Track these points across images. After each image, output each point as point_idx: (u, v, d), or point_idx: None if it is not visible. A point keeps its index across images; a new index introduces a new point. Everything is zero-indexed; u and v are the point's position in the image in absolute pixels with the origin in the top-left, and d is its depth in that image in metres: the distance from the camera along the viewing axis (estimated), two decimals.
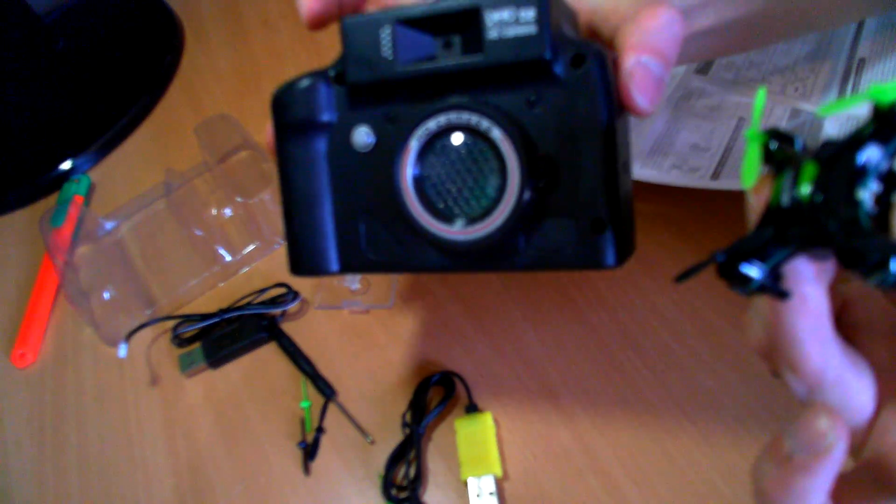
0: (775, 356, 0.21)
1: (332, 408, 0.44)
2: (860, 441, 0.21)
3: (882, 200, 0.17)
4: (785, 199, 0.18)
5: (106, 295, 0.49)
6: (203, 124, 0.57)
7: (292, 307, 0.48)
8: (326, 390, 0.44)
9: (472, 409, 0.41)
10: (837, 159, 0.17)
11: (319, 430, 0.43)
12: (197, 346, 0.47)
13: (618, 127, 0.26)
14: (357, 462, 0.41)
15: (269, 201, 0.51)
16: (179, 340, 0.48)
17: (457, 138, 0.28)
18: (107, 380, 0.49)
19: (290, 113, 0.31)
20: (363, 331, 0.47)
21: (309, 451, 0.42)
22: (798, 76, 0.48)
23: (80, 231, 0.55)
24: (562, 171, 0.27)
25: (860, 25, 0.49)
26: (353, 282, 0.48)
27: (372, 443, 0.42)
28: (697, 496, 0.36)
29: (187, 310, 0.51)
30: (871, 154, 0.16)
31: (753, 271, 0.18)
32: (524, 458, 0.39)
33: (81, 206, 0.56)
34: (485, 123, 0.27)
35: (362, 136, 0.30)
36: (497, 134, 0.27)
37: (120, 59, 0.72)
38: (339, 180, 0.31)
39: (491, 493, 0.38)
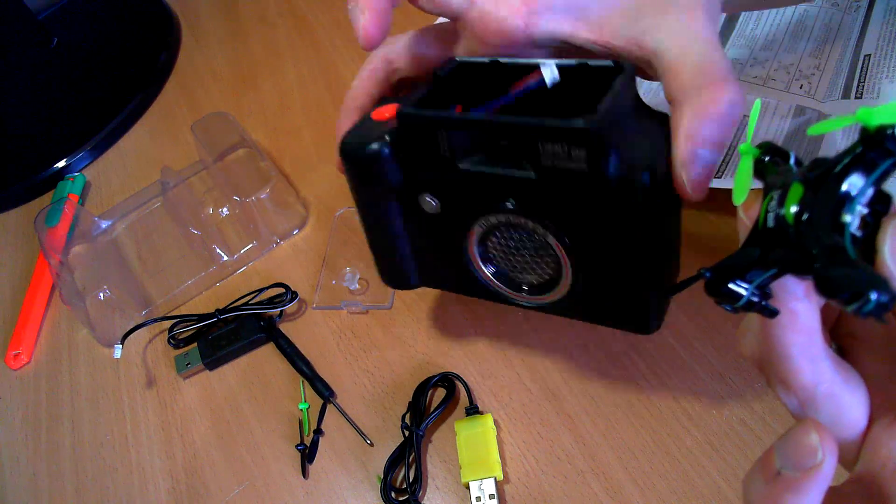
0: (767, 370, 0.21)
1: (330, 409, 0.43)
2: (853, 454, 0.21)
3: (869, 223, 0.17)
4: (770, 220, 0.18)
5: (101, 295, 0.48)
6: (200, 122, 0.57)
7: (290, 307, 0.47)
8: (325, 392, 0.43)
9: (473, 410, 0.40)
10: (823, 182, 0.17)
11: (318, 431, 0.42)
12: (193, 347, 0.47)
13: (664, 221, 0.29)
14: (356, 464, 0.41)
15: (266, 200, 0.51)
16: (175, 342, 0.47)
17: (516, 230, 0.31)
18: (102, 381, 0.49)
19: (359, 170, 0.34)
20: (362, 331, 0.46)
21: (307, 454, 0.42)
22: (803, 73, 0.48)
23: (75, 230, 0.55)
24: (612, 261, 0.30)
25: (865, 22, 0.49)
26: (352, 282, 0.48)
27: (371, 445, 0.41)
28: (701, 499, 0.36)
29: (184, 310, 0.51)
30: (855, 180, 0.16)
31: (739, 289, 0.18)
32: (525, 461, 0.39)
33: (76, 205, 0.56)
34: (540, 230, 0.30)
35: (428, 201, 0.33)
36: (552, 240, 0.30)
37: (115, 56, 0.71)
38: (412, 227, 0.35)
39: (491, 496, 0.37)
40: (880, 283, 0.15)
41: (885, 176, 0.17)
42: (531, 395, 0.41)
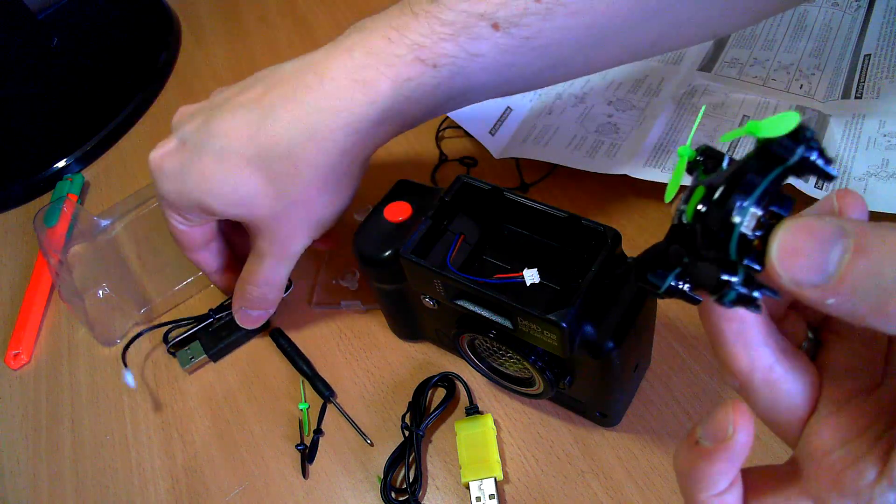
0: (713, 353, 0.23)
1: (330, 409, 0.43)
2: (795, 438, 0.22)
3: (764, 224, 0.18)
4: (675, 219, 0.20)
5: (100, 293, 0.48)
6: None
7: (287, 294, 0.46)
8: (325, 391, 0.43)
9: (473, 410, 0.40)
10: (720, 185, 0.18)
11: (318, 431, 0.42)
12: (195, 342, 0.47)
13: (626, 362, 0.33)
14: (356, 464, 0.41)
15: None
16: (171, 344, 0.47)
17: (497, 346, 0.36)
18: (102, 380, 0.49)
19: (372, 269, 0.38)
20: (362, 331, 0.46)
21: (307, 454, 0.41)
22: (803, 73, 0.48)
23: (74, 230, 0.54)
24: (581, 386, 0.35)
25: (865, 22, 0.49)
26: (353, 282, 0.48)
27: (371, 445, 0.41)
28: None
29: (182, 309, 0.50)
30: (748, 184, 0.18)
31: (657, 280, 0.20)
32: (525, 461, 0.39)
33: (75, 205, 0.56)
34: (519, 356, 0.34)
35: (427, 301, 0.37)
36: (527, 364, 0.34)
37: (116, 56, 0.71)
38: (416, 309, 0.40)
39: (491, 496, 0.37)
40: (735, 277, 0.18)
41: (777, 180, 0.18)
42: None
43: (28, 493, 0.45)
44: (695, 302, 0.20)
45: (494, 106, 0.52)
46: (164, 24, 0.73)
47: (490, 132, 0.51)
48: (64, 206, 0.55)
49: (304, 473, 0.41)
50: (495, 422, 0.40)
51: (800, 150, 0.17)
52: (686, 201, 0.19)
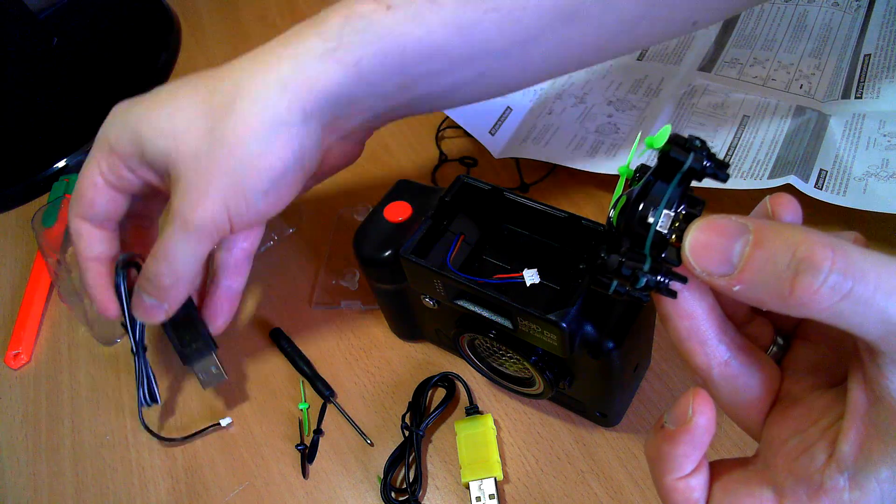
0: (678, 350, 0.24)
1: (330, 409, 0.43)
2: (758, 430, 0.24)
3: (681, 223, 0.21)
4: (602, 228, 0.23)
5: None
6: None
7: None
8: (325, 391, 0.43)
9: (473, 410, 0.40)
10: (635, 195, 0.21)
11: (318, 431, 0.42)
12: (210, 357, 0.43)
13: (626, 361, 0.33)
14: (356, 464, 0.41)
15: None
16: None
17: (497, 346, 0.36)
18: (102, 380, 0.48)
19: (373, 269, 0.38)
20: (362, 331, 0.46)
21: (307, 454, 0.41)
22: (803, 73, 0.48)
23: None
24: (581, 387, 0.35)
25: (865, 22, 0.49)
26: (353, 282, 0.48)
27: (371, 445, 0.41)
28: None
29: None
30: (658, 189, 0.21)
31: (605, 282, 0.22)
32: (525, 461, 0.39)
33: None
34: (519, 356, 0.34)
35: (427, 301, 0.37)
36: (527, 364, 0.34)
37: (115, 56, 0.71)
38: (416, 309, 0.40)
39: (491, 496, 0.37)
40: (644, 265, 0.21)
41: (682, 184, 0.21)
42: None
43: (28, 492, 0.45)
44: (641, 302, 0.23)
45: (494, 106, 0.52)
46: (164, 24, 0.73)
47: (490, 132, 0.51)
48: (62, 205, 0.55)
49: (305, 473, 0.41)
50: (495, 422, 0.40)
51: (690, 157, 0.20)
52: (612, 209, 0.22)
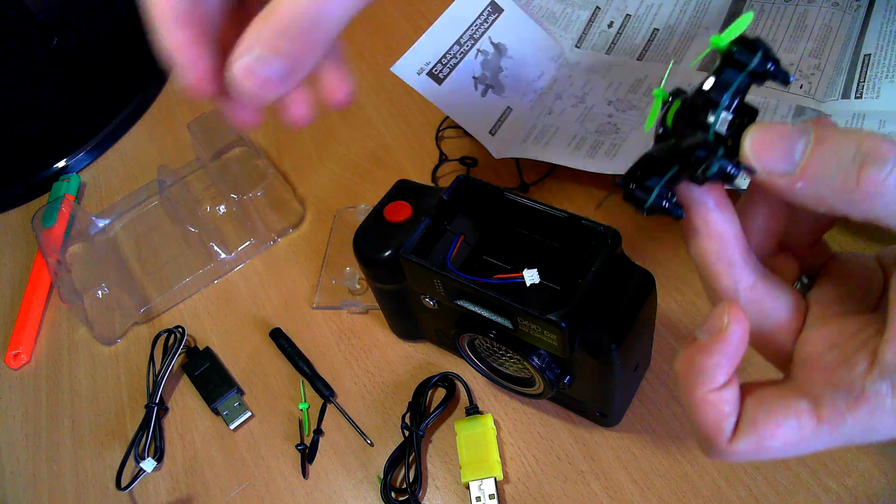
0: (702, 283, 0.24)
1: (330, 409, 0.43)
2: (785, 357, 0.24)
3: (734, 126, 0.21)
4: (658, 131, 0.23)
5: (99, 293, 0.48)
6: (196, 120, 0.57)
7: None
8: (325, 391, 0.43)
9: (473, 410, 0.40)
10: (694, 95, 0.21)
11: (318, 431, 0.42)
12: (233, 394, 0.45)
13: (626, 362, 0.33)
14: (356, 464, 0.41)
15: (262, 197, 0.51)
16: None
17: (497, 346, 0.36)
18: (102, 380, 0.48)
19: (372, 269, 0.38)
20: (362, 331, 0.46)
21: (307, 454, 0.41)
22: (803, 73, 0.48)
23: (72, 230, 0.54)
24: (582, 386, 0.35)
25: (865, 22, 0.49)
26: (353, 282, 0.48)
27: (371, 445, 0.41)
28: (701, 499, 0.36)
29: (182, 308, 0.50)
30: (717, 92, 0.21)
31: (643, 195, 0.22)
32: (525, 461, 0.39)
33: (73, 205, 0.56)
34: (519, 356, 0.34)
35: (427, 301, 0.37)
36: (526, 364, 0.34)
37: (115, 56, 0.71)
38: (416, 309, 0.40)
39: (491, 496, 0.37)
40: (717, 154, 0.20)
41: (741, 86, 0.21)
42: None
43: (28, 492, 0.45)
44: (678, 216, 0.22)
45: (494, 106, 0.52)
46: None
47: (490, 132, 0.51)
48: (62, 206, 0.55)
49: (305, 473, 0.41)
50: (495, 422, 0.40)
51: (758, 56, 0.20)
52: (664, 117, 0.22)
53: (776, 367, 0.24)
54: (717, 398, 0.22)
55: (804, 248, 0.25)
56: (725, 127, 0.21)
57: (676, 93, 0.22)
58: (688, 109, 0.21)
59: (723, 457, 0.22)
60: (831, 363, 0.22)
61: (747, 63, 0.20)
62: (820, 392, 0.21)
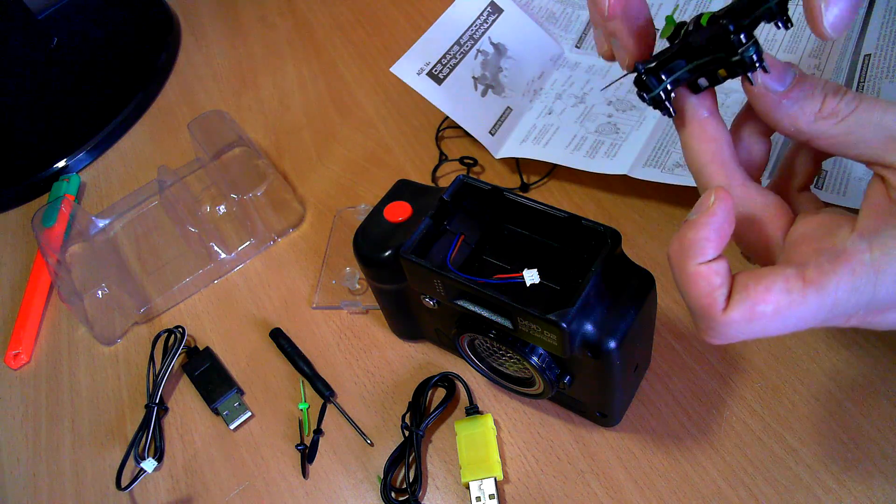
0: (697, 183, 0.26)
1: (330, 409, 0.43)
2: (774, 247, 0.26)
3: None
4: (690, 27, 0.25)
5: (99, 293, 0.48)
6: (196, 120, 0.57)
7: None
8: (325, 391, 0.43)
9: (473, 410, 0.40)
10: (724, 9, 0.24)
11: (318, 431, 0.42)
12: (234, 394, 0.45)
13: (626, 361, 0.33)
14: (356, 464, 0.41)
15: (262, 197, 0.51)
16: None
17: (497, 345, 0.35)
18: (102, 380, 0.48)
19: (372, 269, 0.38)
20: (362, 331, 0.46)
21: (307, 454, 0.41)
22: None
23: (72, 229, 0.54)
24: (582, 386, 0.35)
25: (865, 22, 0.49)
26: (352, 282, 0.48)
27: (371, 445, 0.41)
28: (701, 499, 0.36)
29: (182, 308, 0.50)
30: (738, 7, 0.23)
31: (652, 84, 0.25)
32: (525, 461, 0.39)
33: (73, 205, 0.56)
34: (519, 356, 0.34)
35: (427, 301, 0.37)
36: (526, 364, 0.34)
37: (115, 56, 0.71)
38: (416, 309, 0.40)
39: (491, 496, 0.37)
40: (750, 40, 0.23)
41: (760, 17, 0.23)
42: None
43: (28, 492, 0.45)
44: (670, 114, 0.26)
45: (494, 106, 0.52)
46: (164, 24, 0.73)
47: (490, 132, 0.51)
48: (62, 206, 0.55)
49: (304, 473, 0.41)
50: (495, 422, 0.40)
51: None
52: (697, 19, 0.24)
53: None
54: (708, 270, 0.23)
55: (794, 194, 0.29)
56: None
57: (679, 25, 0.25)
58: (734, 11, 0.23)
59: (719, 332, 0.24)
60: (817, 236, 0.24)
61: None
62: (805, 259, 0.23)
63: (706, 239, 0.23)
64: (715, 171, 0.25)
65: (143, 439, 0.43)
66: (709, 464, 0.36)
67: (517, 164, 0.51)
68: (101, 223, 0.56)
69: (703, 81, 0.25)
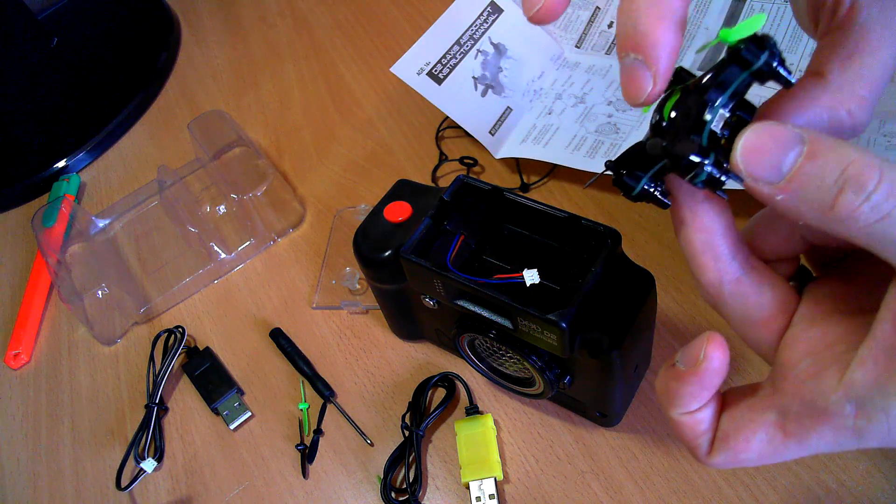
0: (691, 270, 0.24)
1: (330, 409, 0.43)
2: (771, 351, 0.23)
3: (731, 125, 0.20)
4: (654, 119, 0.22)
5: (99, 293, 0.48)
6: (196, 120, 0.57)
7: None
8: (325, 391, 0.43)
9: (473, 410, 0.40)
10: (693, 89, 0.20)
11: (318, 431, 0.42)
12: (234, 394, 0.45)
13: (626, 361, 0.33)
14: (356, 464, 0.41)
15: (262, 197, 0.51)
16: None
17: (497, 345, 0.36)
18: (102, 380, 0.49)
19: (372, 269, 0.38)
20: (362, 331, 0.46)
21: (307, 454, 0.41)
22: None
23: (72, 230, 0.54)
24: (581, 386, 0.35)
25: None
26: (352, 282, 0.48)
27: (371, 445, 0.41)
28: (701, 499, 0.36)
29: (182, 308, 0.51)
30: (718, 88, 0.20)
31: (632, 182, 0.22)
32: (525, 461, 0.39)
33: (73, 205, 0.56)
34: (519, 356, 0.34)
35: (427, 301, 0.37)
36: (527, 364, 0.34)
37: (115, 56, 0.71)
38: (416, 309, 0.40)
39: (491, 496, 0.37)
40: (707, 160, 0.20)
41: (745, 84, 0.20)
42: None
43: (28, 492, 0.45)
44: (664, 206, 0.22)
45: (494, 106, 0.52)
46: (165, 24, 0.73)
47: (490, 132, 0.51)
48: (61, 206, 0.55)
49: (304, 473, 0.41)
50: (495, 422, 0.40)
51: (764, 56, 0.19)
52: (662, 105, 0.21)
53: (763, 359, 0.24)
54: (692, 420, 0.23)
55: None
56: (721, 125, 0.20)
57: (678, 77, 0.22)
58: (685, 102, 0.21)
59: (706, 465, 0.23)
60: (803, 374, 0.21)
61: (753, 62, 0.20)
62: (789, 404, 0.21)
63: (690, 395, 0.22)
64: (706, 264, 0.23)
65: (143, 439, 0.43)
66: None
67: (517, 164, 0.51)
68: (101, 223, 0.56)
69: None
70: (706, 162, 0.20)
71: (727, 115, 0.20)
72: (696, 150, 0.20)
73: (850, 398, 0.20)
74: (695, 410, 0.23)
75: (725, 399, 0.23)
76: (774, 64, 0.20)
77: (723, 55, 0.20)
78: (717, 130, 0.20)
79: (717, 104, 0.20)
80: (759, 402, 0.22)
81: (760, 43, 0.20)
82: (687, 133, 0.20)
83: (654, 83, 0.20)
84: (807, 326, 0.23)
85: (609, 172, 0.23)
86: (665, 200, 0.22)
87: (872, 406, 0.19)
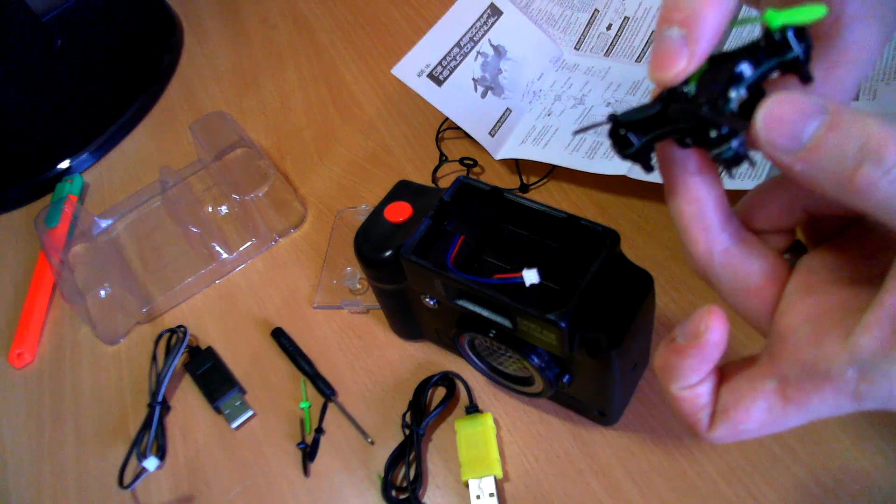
0: (682, 245, 0.24)
1: (331, 408, 0.43)
2: (764, 323, 0.23)
3: (745, 106, 0.20)
4: (679, 89, 0.21)
5: (102, 293, 0.48)
6: (198, 122, 0.57)
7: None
8: (326, 390, 0.44)
9: (473, 409, 0.41)
10: (722, 63, 0.20)
11: (319, 430, 0.43)
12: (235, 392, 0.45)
13: (624, 360, 0.33)
14: (357, 463, 0.41)
15: (264, 198, 0.51)
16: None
17: (497, 345, 0.36)
18: (104, 379, 0.49)
19: (372, 269, 0.39)
20: (363, 331, 0.46)
21: (308, 452, 0.42)
22: None
23: (75, 230, 0.55)
24: (580, 385, 0.36)
25: None
26: (353, 281, 0.48)
27: (372, 443, 0.42)
28: (700, 497, 0.36)
29: (184, 308, 0.51)
30: (745, 67, 0.20)
31: (635, 138, 0.22)
32: (525, 459, 0.39)
33: (76, 205, 0.56)
34: (519, 355, 0.34)
35: (427, 300, 0.37)
36: (526, 363, 0.35)
37: (118, 58, 0.72)
38: (416, 309, 0.40)
39: (491, 495, 0.37)
40: (739, 131, 0.19)
41: (771, 69, 0.20)
42: None
43: (31, 490, 0.45)
44: (650, 169, 0.22)
45: (494, 107, 0.52)
46: (167, 26, 0.73)
47: (490, 133, 0.51)
48: (64, 206, 0.55)
49: (306, 472, 0.41)
50: (495, 420, 0.40)
51: (801, 48, 0.19)
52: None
53: (757, 331, 0.24)
54: (692, 394, 0.23)
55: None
56: (737, 104, 0.20)
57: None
58: (715, 74, 0.20)
59: (706, 441, 0.24)
60: (802, 339, 0.21)
61: (787, 51, 0.19)
62: (788, 371, 0.21)
63: (691, 368, 0.22)
64: (696, 235, 0.23)
65: (146, 438, 0.44)
66: (707, 463, 0.37)
67: (517, 165, 0.51)
68: (104, 223, 0.57)
69: (690, 140, 0.22)
70: (735, 143, 0.20)
71: (745, 95, 0.20)
72: (727, 122, 0.20)
73: (854, 362, 0.20)
74: (695, 384, 0.23)
75: (723, 373, 0.23)
76: (803, 59, 0.20)
77: (761, 36, 0.20)
78: (735, 109, 0.20)
79: (744, 81, 0.20)
80: (758, 371, 0.22)
81: (802, 34, 0.19)
82: (713, 104, 0.20)
83: (688, 62, 0.20)
84: (803, 295, 0.23)
85: (608, 125, 0.22)
86: (652, 164, 0.22)
87: (876, 371, 0.19)
